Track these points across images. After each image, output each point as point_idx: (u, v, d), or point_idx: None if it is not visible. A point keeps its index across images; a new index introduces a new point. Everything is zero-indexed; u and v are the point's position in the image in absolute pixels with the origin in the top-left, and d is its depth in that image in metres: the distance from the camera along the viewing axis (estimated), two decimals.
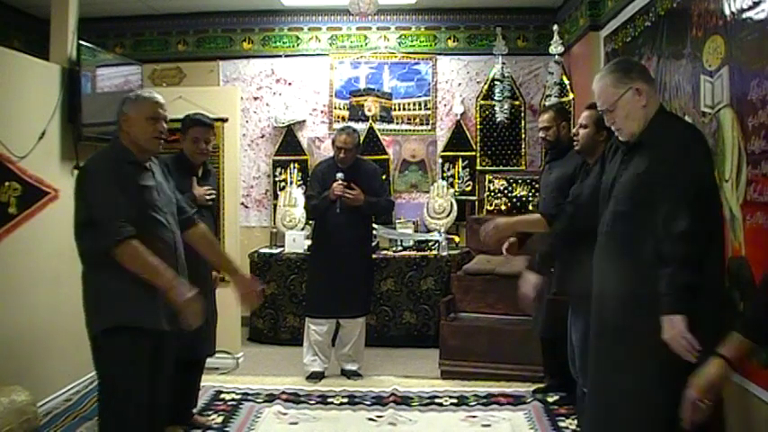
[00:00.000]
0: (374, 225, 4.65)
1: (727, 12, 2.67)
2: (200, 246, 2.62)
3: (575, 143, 3.20)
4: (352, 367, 4.20)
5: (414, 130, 5.70)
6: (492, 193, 5.25)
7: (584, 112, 3.17)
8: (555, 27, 5.16)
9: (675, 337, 1.87)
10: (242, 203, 5.52)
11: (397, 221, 5.48)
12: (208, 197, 3.27)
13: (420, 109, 5.70)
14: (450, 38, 5.70)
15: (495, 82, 5.45)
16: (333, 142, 4.13)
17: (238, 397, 3.79)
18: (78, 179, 2.37)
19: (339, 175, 3.98)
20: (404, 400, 3.72)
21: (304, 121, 5.73)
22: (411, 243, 5.22)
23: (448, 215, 5.40)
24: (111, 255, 2.18)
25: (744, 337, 1.69)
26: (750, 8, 2.49)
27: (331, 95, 5.73)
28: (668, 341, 1.89)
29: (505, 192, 5.22)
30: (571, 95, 4.99)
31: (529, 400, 3.70)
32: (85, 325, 2.36)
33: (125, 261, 2.20)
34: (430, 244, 5.17)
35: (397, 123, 5.69)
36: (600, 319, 2.19)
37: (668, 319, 1.89)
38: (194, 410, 3.40)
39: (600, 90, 2.13)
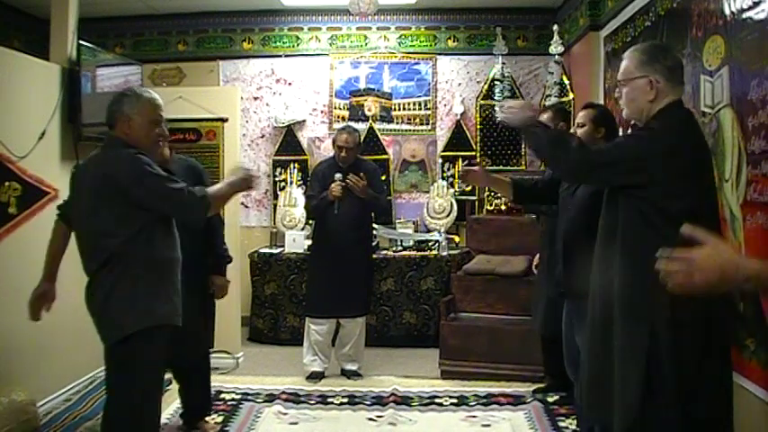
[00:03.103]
0: (374, 225, 4.65)
1: (727, 12, 2.67)
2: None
3: None
4: (352, 367, 4.20)
5: (414, 130, 5.70)
6: (492, 193, 5.25)
7: (581, 112, 3.19)
8: (555, 27, 5.16)
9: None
10: (242, 203, 5.51)
11: (397, 221, 5.48)
12: None
13: (420, 109, 5.70)
14: (450, 38, 5.70)
15: (495, 82, 5.45)
16: (333, 142, 4.13)
17: (238, 397, 3.79)
18: (111, 182, 2.25)
19: (338, 175, 3.98)
20: (404, 400, 3.72)
21: (304, 121, 5.73)
22: (411, 243, 5.22)
23: (448, 215, 5.40)
24: (203, 218, 2.41)
25: None
26: (750, 8, 2.49)
27: (331, 95, 5.73)
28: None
29: None
30: (571, 95, 4.99)
31: (529, 400, 3.70)
32: (107, 331, 2.30)
33: (216, 209, 2.50)
34: (430, 244, 5.17)
35: (397, 123, 5.69)
36: (591, 313, 2.20)
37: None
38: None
39: (625, 60, 2.14)
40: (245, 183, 2.50)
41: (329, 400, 3.78)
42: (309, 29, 5.75)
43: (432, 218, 5.44)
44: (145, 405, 2.32)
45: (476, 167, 2.95)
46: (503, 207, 5.17)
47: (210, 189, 2.43)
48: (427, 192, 5.57)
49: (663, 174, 1.95)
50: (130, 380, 2.29)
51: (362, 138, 4.93)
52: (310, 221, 4.92)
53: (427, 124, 5.69)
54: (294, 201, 5.46)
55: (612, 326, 2.05)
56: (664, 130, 2.00)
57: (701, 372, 1.93)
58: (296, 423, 3.46)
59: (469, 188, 5.54)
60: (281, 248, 5.22)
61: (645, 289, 1.92)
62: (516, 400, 3.71)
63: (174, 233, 2.43)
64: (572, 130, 3.27)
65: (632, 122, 2.23)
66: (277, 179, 5.68)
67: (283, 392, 3.83)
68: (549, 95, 5.14)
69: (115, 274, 2.25)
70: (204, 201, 2.33)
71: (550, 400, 3.68)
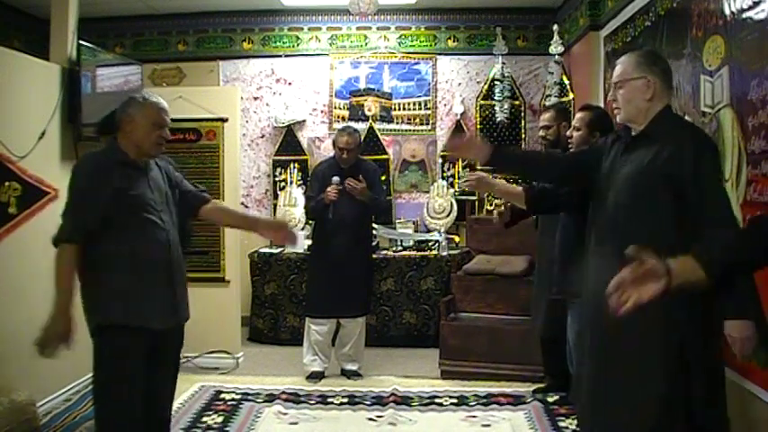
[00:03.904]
0: (374, 225, 4.65)
1: (727, 12, 2.67)
2: (218, 217, 2.77)
3: (569, 145, 3.24)
4: (352, 367, 4.20)
5: (414, 130, 5.70)
6: (492, 193, 5.25)
7: (577, 114, 3.20)
8: (555, 27, 5.16)
9: (745, 340, 1.92)
10: (242, 203, 5.51)
11: (397, 221, 5.48)
12: None
13: (420, 109, 5.70)
14: (450, 38, 5.70)
15: (495, 82, 5.45)
16: (334, 143, 4.13)
17: (238, 397, 3.79)
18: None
19: (335, 179, 3.97)
20: (404, 400, 3.72)
21: (304, 121, 5.73)
22: (411, 243, 5.22)
23: (448, 215, 5.39)
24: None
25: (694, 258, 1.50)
26: (750, 8, 2.49)
27: (331, 95, 5.73)
28: (736, 339, 1.93)
29: None
30: (571, 95, 4.99)
31: (529, 400, 3.70)
32: (87, 323, 2.38)
33: (55, 261, 2.28)
34: (430, 244, 5.17)
35: (397, 123, 5.69)
36: (599, 316, 2.18)
37: (744, 323, 1.92)
38: None
39: (621, 64, 2.16)
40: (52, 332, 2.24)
41: (329, 400, 3.77)
42: (309, 29, 5.75)
43: (432, 218, 5.44)
44: (110, 399, 2.30)
45: (476, 175, 2.87)
46: (503, 207, 5.17)
47: (67, 254, 2.26)
48: (427, 192, 5.57)
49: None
50: (99, 374, 2.33)
51: (362, 138, 4.94)
52: (310, 222, 4.92)
53: (427, 124, 5.69)
54: (294, 200, 5.46)
55: (623, 332, 2.03)
56: (698, 134, 2.06)
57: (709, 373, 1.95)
58: (296, 423, 3.46)
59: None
60: (281, 248, 5.22)
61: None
62: (516, 400, 3.71)
63: (153, 233, 2.37)
64: (569, 132, 3.28)
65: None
66: (277, 179, 5.68)
67: (283, 392, 3.83)
68: (549, 95, 5.14)
69: (85, 270, 2.32)
70: (57, 239, 2.29)
71: (550, 400, 3.68)
